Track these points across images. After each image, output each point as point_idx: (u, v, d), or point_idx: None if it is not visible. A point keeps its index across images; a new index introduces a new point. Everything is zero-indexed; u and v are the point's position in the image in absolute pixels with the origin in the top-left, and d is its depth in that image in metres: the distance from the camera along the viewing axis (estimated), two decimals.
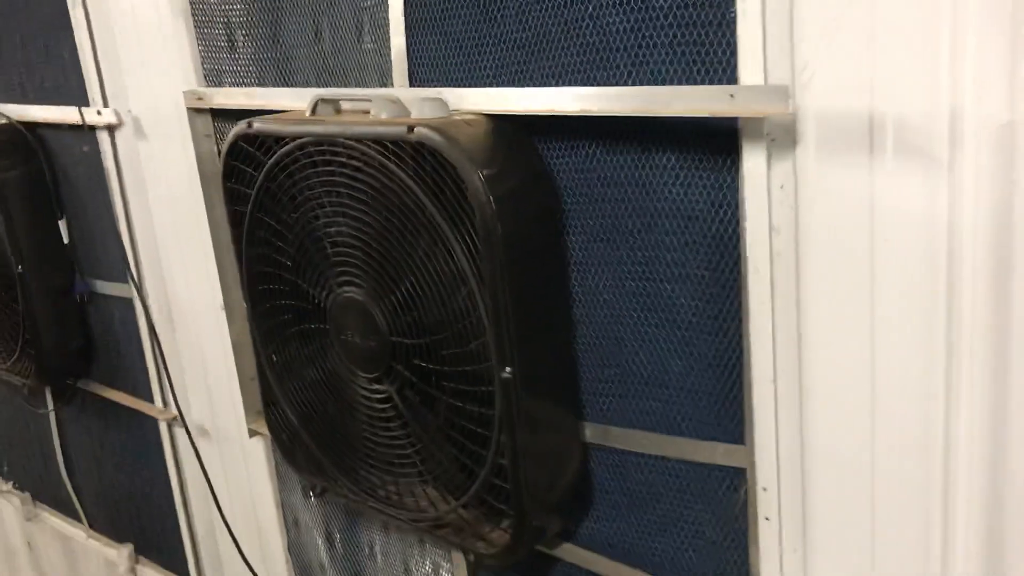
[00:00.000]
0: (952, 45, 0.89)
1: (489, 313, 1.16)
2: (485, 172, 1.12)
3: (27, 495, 2.92)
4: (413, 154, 1.18)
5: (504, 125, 1.21)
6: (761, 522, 1.18)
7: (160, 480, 2.29)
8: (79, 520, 2.70)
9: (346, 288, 1.36)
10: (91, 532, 2.68)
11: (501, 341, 1.17)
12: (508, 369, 1.18)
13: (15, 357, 2.29)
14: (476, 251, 1.15)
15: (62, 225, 2.20)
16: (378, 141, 1.21)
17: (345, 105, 1.39)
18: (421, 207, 1.19)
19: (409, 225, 1.22)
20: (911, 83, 0.93)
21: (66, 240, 2.21)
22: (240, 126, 1.41)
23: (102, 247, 2.16)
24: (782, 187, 1.05)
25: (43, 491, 2.85)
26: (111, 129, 1.98)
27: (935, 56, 0.91)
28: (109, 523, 2.60)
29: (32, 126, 2.17)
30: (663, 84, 1.11)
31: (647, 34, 1.11)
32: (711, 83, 1.07)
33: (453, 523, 1.37)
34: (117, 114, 1.94)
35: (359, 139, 1.23)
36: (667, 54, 1.10)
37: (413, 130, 1.16)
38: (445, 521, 1.38)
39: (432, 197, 1.17)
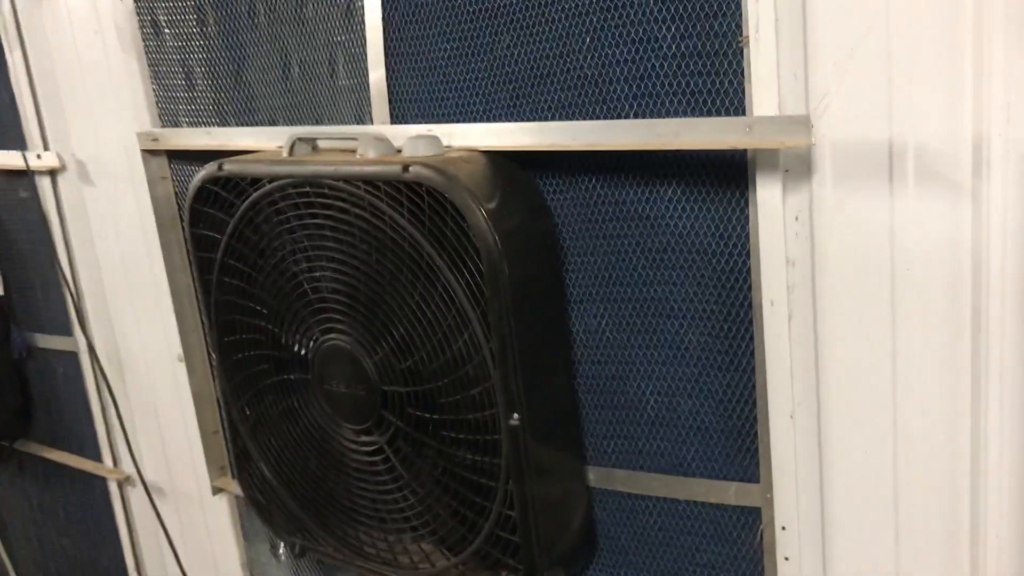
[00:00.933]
0: (976, 70, 0.89)
1: (495, 357, 1.11)
2: (488, 210, 1.07)
3: None
4: (409, 194, 1.12)
5: (501, 161, 1.17)
6: (780, 562, 1.14)
7: (110, 544, 2.15)
8: None
9: (330, 336, 1.29)
10: None
11: (508, 386, 1.12)
12: (516, 416, 1.12)
13: None
14: (480, 293, 1.10)
15: None
16: (369, 181, 1.15)
17: (323, 144, 1.33)
18: (417, 249, 1.13)
19: (403, 268, 1.16)
20: (932, 109, 0.92)
21: (0, 292, 2.07)
22: (209, 168, 1.34)
23: (43, 299, 2.03)
24: (797, 219, 1.03)
25: None
26: (53, 173, 1.87)
27: (957, 81, 0.90)
28: None
29: None
30: (667, 116, 1.08)
31: (649, 65, 1.08)
32: (718, 114, 1.05)
33: None
34: (59, 157, 1.84)
35: (348, 179, 1.17)
36: (671, 85, 1.07)
37: (408, 169, 1.11)
38: None
39: (430, 238, 1.12)
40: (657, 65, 1.08)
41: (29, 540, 2.41)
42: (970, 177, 0.92)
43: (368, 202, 1.16)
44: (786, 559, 1.13)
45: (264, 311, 1.38)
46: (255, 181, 1.29)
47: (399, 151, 1.21)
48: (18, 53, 1.82)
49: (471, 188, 1.08)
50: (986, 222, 0.92)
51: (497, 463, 1.16)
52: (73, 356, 2.00)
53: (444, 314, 1.14)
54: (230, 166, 1.32)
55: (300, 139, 1.30)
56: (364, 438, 1.31)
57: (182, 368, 1.77)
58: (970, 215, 0.93)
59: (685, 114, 1.08)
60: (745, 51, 1.01)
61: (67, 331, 2.00)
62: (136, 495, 2.03)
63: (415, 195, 1.12)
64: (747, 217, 1.07)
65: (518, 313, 1.10)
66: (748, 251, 1.08)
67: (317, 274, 1.27)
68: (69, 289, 1.91)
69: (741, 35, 1.01)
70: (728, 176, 1.07)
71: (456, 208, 1.08)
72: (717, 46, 1.04)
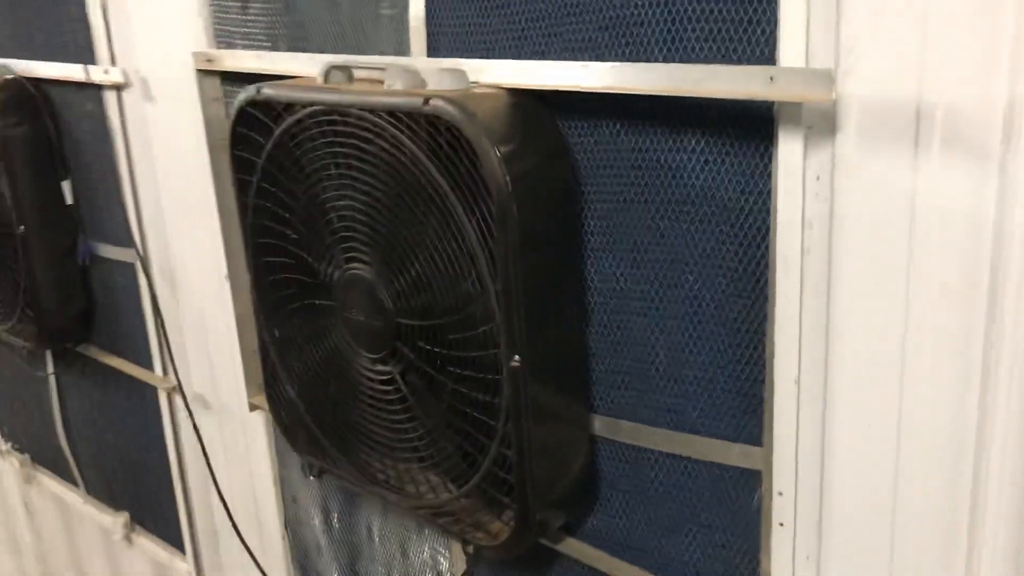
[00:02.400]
0: (1017, 30, 0.83)
1: (499, 298, 1.11)
2: (503, 150, 1.06)
3: (26, 457, 2.89)
4: (428, 128, 1.12)
5: (525, 100, 1.15)
6: (775, 527, 1.12)
7: (157, 450, 2.25)
8: (76, 485, 2.67)
9: (352, 264, 1.30)
10: (88, 498, 2.65)
11: (511, 328, 1.11)
12: (517, 358, 1.12)
13: (15, 319, 2.25)
14: (489, 232, 1.10)
15: (66, 186, 2.15)
16: (391, 112, 1.15)
17: (359, 73, 1.33)
18: (434, 184, 1.13)
19: (420, 202, 1.17)
20: (965, 71, 0.87)
21: (69, 201, 2.16)
22: (249, 91, 1.36)
23: (106, 210, 2.11)
24: (818, 178, 0.99)
25: (42, 454, 2.82)
26: (118, 89, 1.92)
27: (994, 42, 0.84)
28: (106, 490, 2.57)
29: (38, 82, 2.11)
30: (697, 62, 1.05)
31: (681, 8, 1.04)
32: (748, 63, 1.01)
33: (454, 512, 1.32)
34: (125, 74, 1.89)
35: (372, 109, 1.17)
36: (702, 30, 1.03)
37: (428, 102, 1.10)
38: (446, 509, 1.33)
39: (445, 174, 1.12)
40: (690, 8, 1.04)
41: (89, 439, 2.54)
42: (999, 145, 0.86)
43: (390, 133, 1.16)
44: (780, 525, 1.11)
45: (295, 236, 1.40)
46: (289, 106, 1.30)
47: (427, 84, 1.20)
48: None
49: (487, 125, 1.07)
50: (1011, 194, 0.86)
51: (497, 402, 1.17)
52: (131, 267, 2.08)
53: (455, 251, 1.14)
54: (267, 90, 1.33)
55: (335, 67, 1.30)
56: (379, 367, 1.33)
57: (229, 287, 1.82)
58: (996, 185, 0.87)
59: (716, 61, 1.04)
60: None
61: (127, 243, 2.07)
62: (183, 405, 2.11)
63: (434, 129, 1.12)
64: (770, 173, 1.03)
65: (525, 255, 1.09)
66: (769, 209, 1.05)
67: (343, 203, 1.29)
68: (128, 203, 1.97)
69: None
70: (753, 129, 1.03)
71: (471, 145, 1.07)
72: None
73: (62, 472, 2.74)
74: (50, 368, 2.55)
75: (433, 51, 1.31)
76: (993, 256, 0.89)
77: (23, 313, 2.23)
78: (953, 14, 0.86)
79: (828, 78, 0.90)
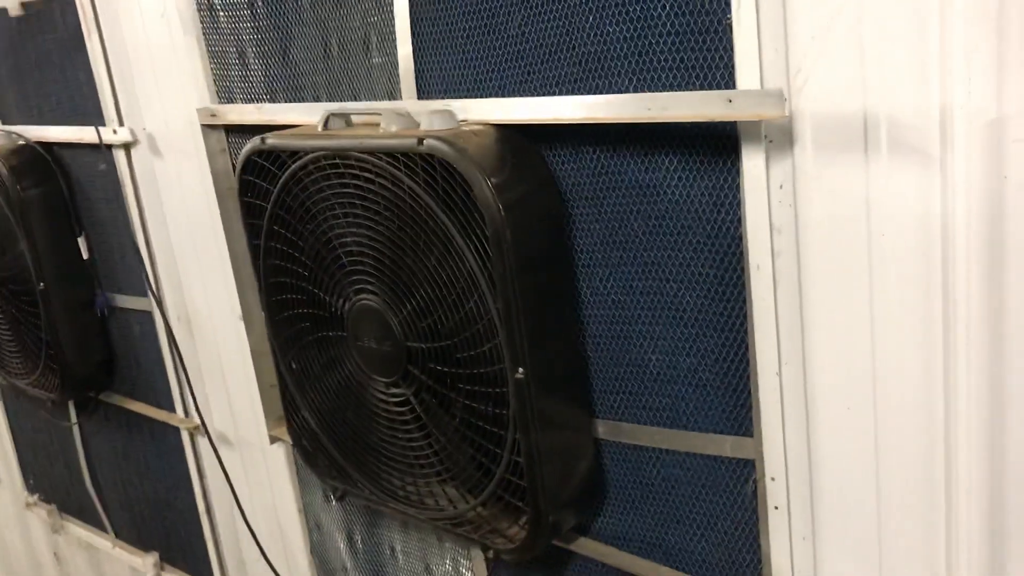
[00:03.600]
0: (940, 44, 0.93)
1: (501, 316, 1.20)
2: (494, 181, 1.16)
3: (53, 507, 2.97)
4: (424, 165, 1.22)
5: (510, 134, 1.25)
6: (770, 511, 1.21)
7: (183, 488, 2.34)
8: (105, 530, 2.75)
9: (362, 296, 1.40)
10: (117, 541, 2.73)
11: (513, 343, 1.21)
12: (520, 370, 1.22)
13: (39, 372, 2.34)
14: (487, 257, 1.19)
15: (82, 242, 2.25)
16: (389, 153, 1.25)
17: (356, 119, 1.43)
18: (432, 216, 1.23)
19: (421, 234, 1.26)
20: (902, 82, 0.97)
21: (86, 256, 2.26)
22: (254, 142, 1.46)
23: (121, 262, 2.21)
24: (781, 187, 1.08)
25: (69, 502, 2.91)
26: (127, 147, 2.03)
27: (924, 55, 0.94)
28: (135, 532, 2.65)
29: (49, 146, 2.22)
30: (664, 91, 1.15)
31: (646, 42, 1.15)
32: (711, 88, 1.11)
33: (472, 520, 1.41)
34: (132, 132, 1.99)
35: (371, 152, 1.27)
36: (667, 61, 1.14)
37: (423, 142, 1.20)
38: (465, 519, 1.42)
39: (443, 206, 1.21)
40: (654, 42, 1.14)
41: (115, 483, 2.63)
42: (938, 148, 0.96)
43: (389, 172, 1.26)
44: (775, 508, 1.20)
45: (305, 273, 1.50)
46: (293, 153, 1.40)
47: (419, 125, 1.31)
48: (95, 37, 1.97)
49: (478, 160, 1.17)
50: (952, 189, 0.96)
51: (506, 414, 1.26)
52: (148, 315, 2.18)
53: (457, 276, 1.24)
54: (271, 140, 1.44)
55: (333, 114, 1.40)
56: (393, 390, 1.42)
57: (243, 326, 1.92)
58: (939, 184, 0.97)
59: (681, 88, 1.14)
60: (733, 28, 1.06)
61: (142, 292, 2.17)
62: (205, 443, 2.20)
63: (430, 166, 1.22)
64: (739, 186, 1.13)
65: (522, 276, 1.19)
66: (740, 218, 1.14)
67: (349, 239, 1.39)
68: (143, 254, 2.07)
69: (730, 13, 1.07)
70: (719, 146, 1.13)
71: (464, 178, 1.17)
72: (708, 23, 1.09)
73: (90, 519, 2.82)
74: (73, 418, 2.64)
75: (423, 94, 1.41)
76: (943, 245, 0.99)
77: (46, 366, 2.32)
78: (885, 34, 0.96)
79: (780, 97, 1.00)
